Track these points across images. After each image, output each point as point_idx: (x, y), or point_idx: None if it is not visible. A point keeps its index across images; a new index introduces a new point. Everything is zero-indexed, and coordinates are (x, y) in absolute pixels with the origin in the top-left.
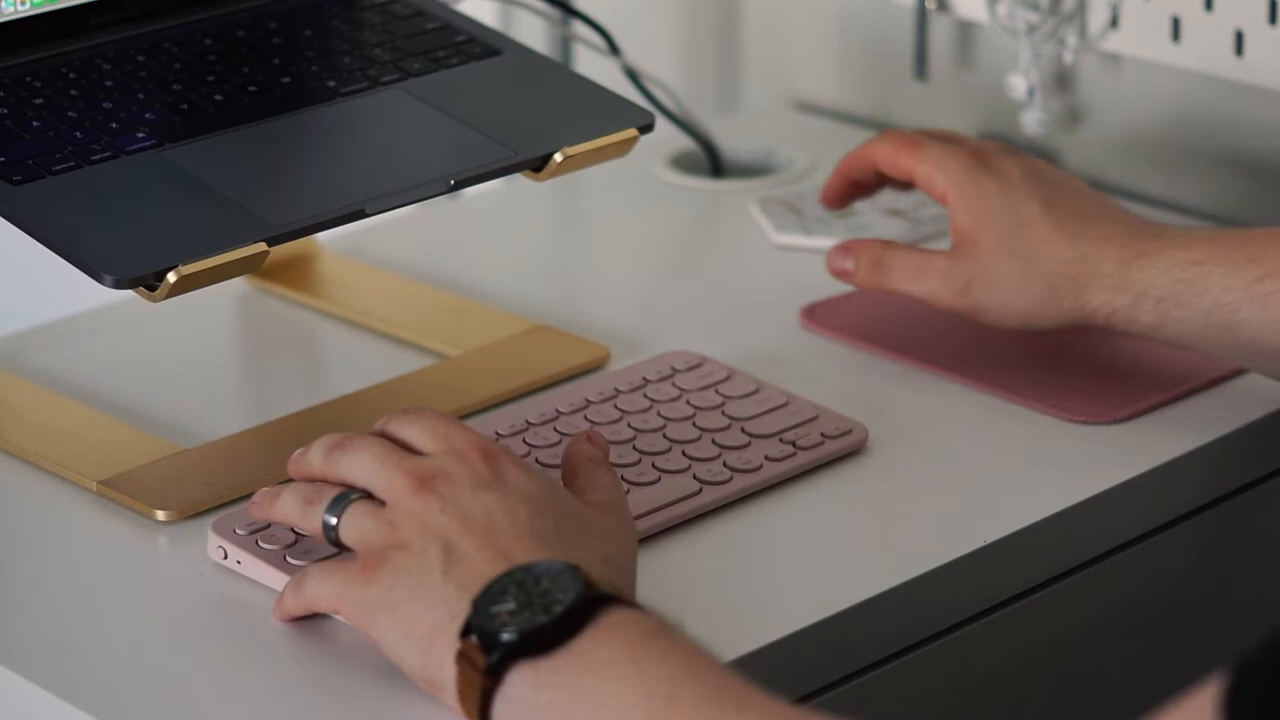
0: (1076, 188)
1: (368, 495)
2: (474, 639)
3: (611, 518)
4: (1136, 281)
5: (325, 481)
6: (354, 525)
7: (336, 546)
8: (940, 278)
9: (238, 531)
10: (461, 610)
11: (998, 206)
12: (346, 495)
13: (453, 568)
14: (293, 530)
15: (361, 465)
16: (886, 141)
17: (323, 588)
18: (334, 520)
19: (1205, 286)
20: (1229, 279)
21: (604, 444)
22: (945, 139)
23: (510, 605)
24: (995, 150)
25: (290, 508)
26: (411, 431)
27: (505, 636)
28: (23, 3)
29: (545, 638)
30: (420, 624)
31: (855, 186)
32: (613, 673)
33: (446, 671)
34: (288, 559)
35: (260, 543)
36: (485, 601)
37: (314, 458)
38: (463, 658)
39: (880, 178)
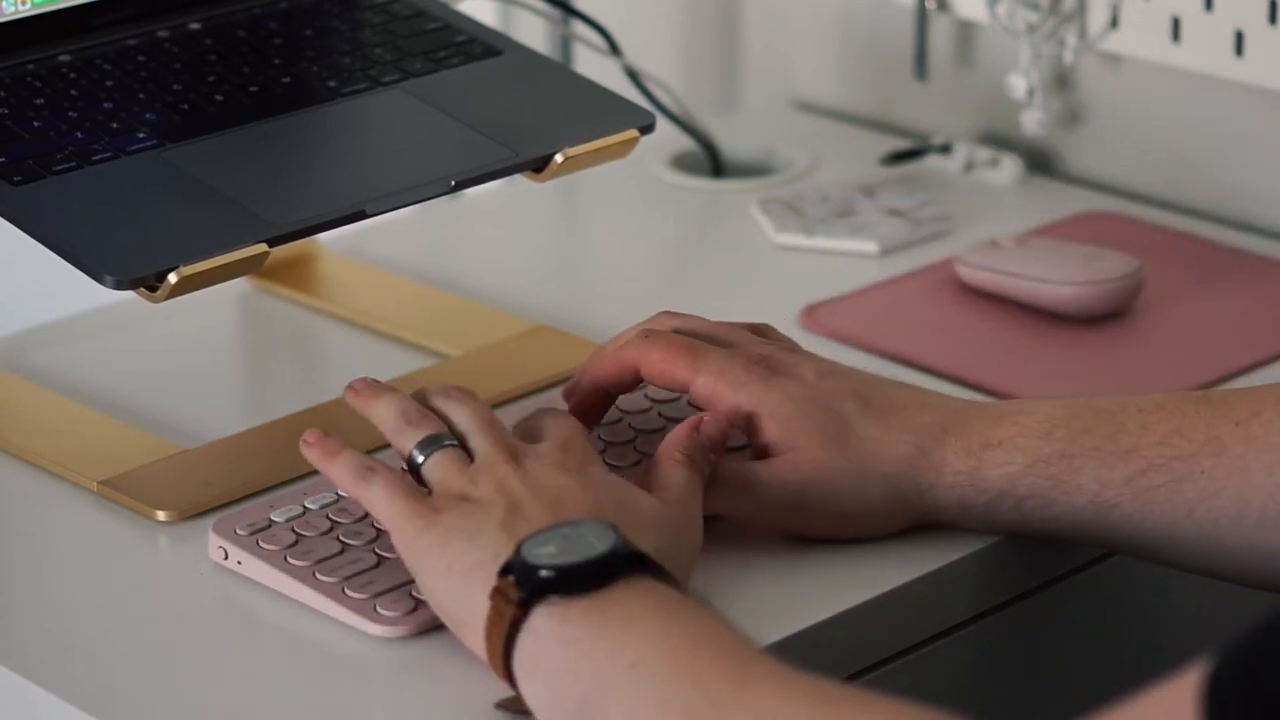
0: (875, 377)
1: (460, 445)
2: (511, 577)
3: (677, 513)
4: (994, 479)
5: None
6: (438, 467)
7: (412, 475)
8: (768, 491)
9: (238, 532)
10: (505, 552)
11: (809, 409)
12: (441, 438)
13: (510, 520)
14: (293, 530)
15: (466, 416)
16: (655, 348)
17: (383, 503)
18: (421, 458)
19: (1079, 483)
20: (1106, 473)
21: (715, 434)
22: (720, 340)
23: (552, 549)
24: (778, 351)
25: (388, 415)
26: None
27: (542, 572)
28: (23, 3)
29: (578, 578)
30: (462, 561)
31: (610, 397)
32: (639, 622)
33: (477, 609)
34: (288, 559)
35: (261, 543)
36: (529, 545)
37: (430, 392)
38: (497, 593)
39: (639, 381)
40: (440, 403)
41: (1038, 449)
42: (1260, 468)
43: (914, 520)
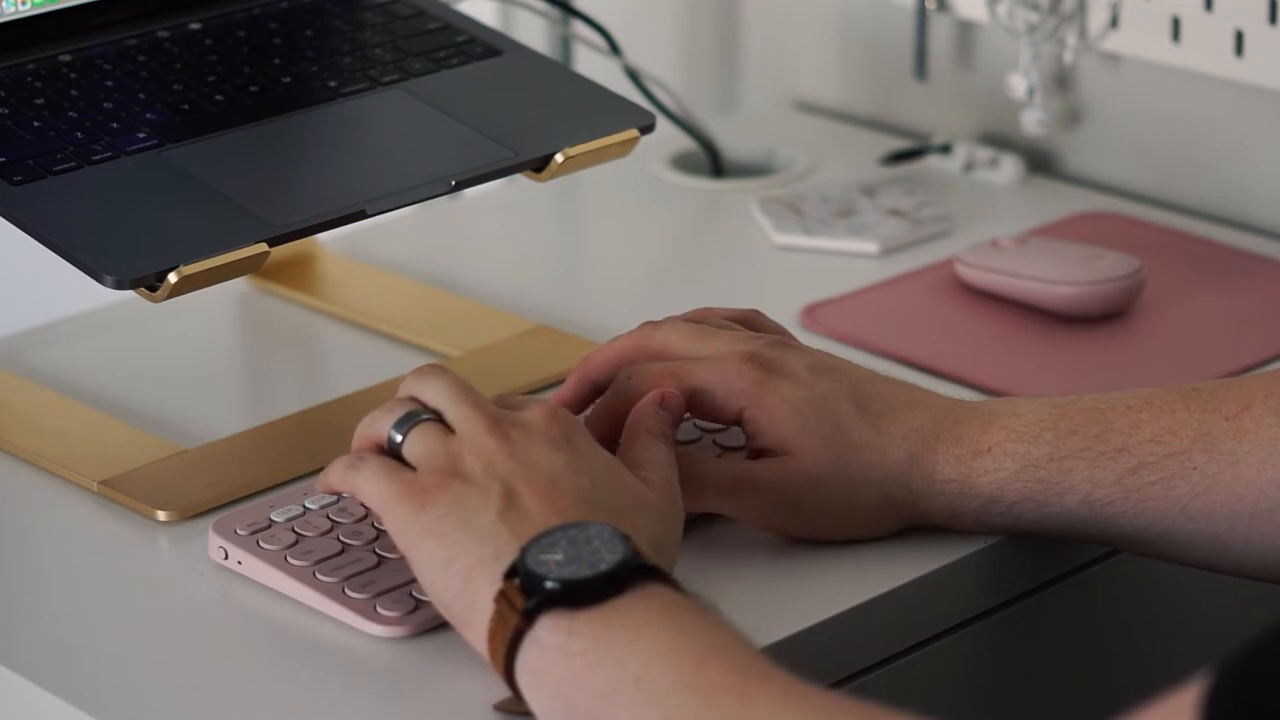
0: (869, 374)
1: (439, 419)
2: (516, 581)
3: (664, 499)
4: (984, 485)
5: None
6: (420, 443)
7: (396, 460)
8: (763, 491)
9: (238, 532)
10: (508, 552)
11: (805, 411)
12: (417, 414)
13: (509, 512)
14: (293, 530)
15: (440, 391)
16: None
17: (373, 487)
18: (399, 436)
19: (1070, 484)
20: (1097, 473)
21: (675, 406)
22: (708, 343)
23: (558, 556)
24: (769, 347)
25: (363, 424)
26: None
27: (548, 584)
28: (23, 3)
29: (585, 592)
30: (463, 557)
31: (598, 390)
32: (644, 634)
33: (479, 608)
34: (288, 559)
35: (261, 543)
36: (535, 549)
37: (402, 382)
38: (502, 597)
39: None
40: (411, 383)
41: (1027, 453)
42: (1252, 462)
43: (906, 523)
